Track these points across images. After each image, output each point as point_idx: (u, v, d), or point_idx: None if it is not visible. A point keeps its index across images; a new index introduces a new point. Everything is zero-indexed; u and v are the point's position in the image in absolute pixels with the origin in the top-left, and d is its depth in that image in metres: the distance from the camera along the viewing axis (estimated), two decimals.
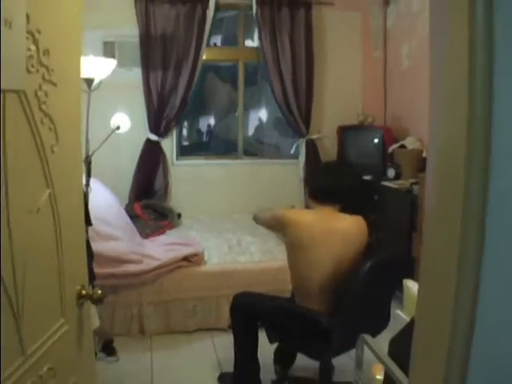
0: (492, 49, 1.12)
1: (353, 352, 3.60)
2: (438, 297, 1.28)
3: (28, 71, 1.52)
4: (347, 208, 3.73)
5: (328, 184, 3.70)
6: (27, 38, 1.50)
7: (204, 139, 8.41)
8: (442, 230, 1.26)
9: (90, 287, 2.13)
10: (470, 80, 1.14)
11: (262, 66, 7.21)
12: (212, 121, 8.35)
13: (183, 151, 7.61)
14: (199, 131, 8.54)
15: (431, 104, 1.34)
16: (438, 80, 1.31)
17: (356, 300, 3.41)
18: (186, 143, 8.25)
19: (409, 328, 2.41)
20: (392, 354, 2.55)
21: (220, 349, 4.65)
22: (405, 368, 1.97)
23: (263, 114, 8.47)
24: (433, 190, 1.32)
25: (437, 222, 1.30)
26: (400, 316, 3.75)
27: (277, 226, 3.77)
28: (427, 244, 1.35)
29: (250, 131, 8.18)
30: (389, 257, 3.69)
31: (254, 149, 8.00)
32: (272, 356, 4.20)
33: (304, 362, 4.10)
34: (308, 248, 3.51)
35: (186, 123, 8.17)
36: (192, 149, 8.26)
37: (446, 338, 1.22)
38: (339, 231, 3.60)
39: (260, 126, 8.45)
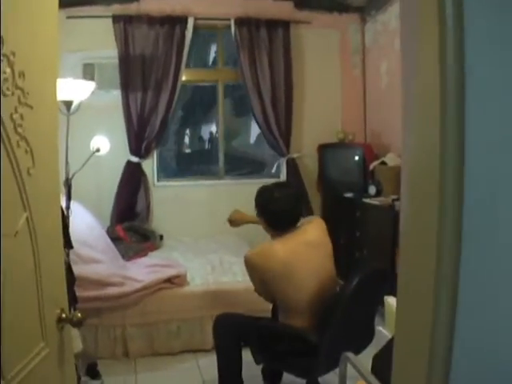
0: (463, 62, 1.13)
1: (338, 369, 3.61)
2: (416, 312, 1.28)
3: (3, 94, 1.51)
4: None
5: (286, 213, 3.68)
6: (2, 60, 1.49)
7: (206, 147, 8.43)
8: (418, 245, 1.27)
9: (72, 310, 2.11)
10: (441, 96, 1.15)
11: (241, 86, 7.21)
12: (214, 128, 8.37)
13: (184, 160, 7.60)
14: (201, 139, 8.57)
15: (404, 116, 1.34)
16: (409, 93, 1.32)
17: (343, 316, 3.40)
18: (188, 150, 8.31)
19: (391, 344, 2.42)
20: (375, 370, 2.55)
21: (205, 370, 4.62)
22: None
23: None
24: (408, 205, 1.32)
25: (412, 236, 1.30)
26: (382, 332, 3.75)
27: (257, 277, 3.67)
28: (404, 259, 1.36)
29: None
30: (374, 272, 3.68)
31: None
32: (256, 374, 4.18)
33: (290, 379, 4.07)
34: (285, 275, 3.49)
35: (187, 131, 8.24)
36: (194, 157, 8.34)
37: (425, 353, 1.22)
38: (309, 245, 3.60)
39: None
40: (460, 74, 1.13)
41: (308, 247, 3.58)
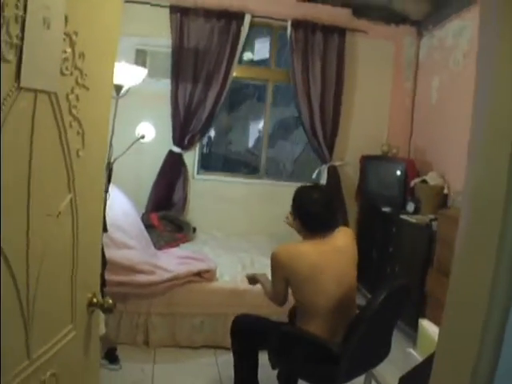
0: None
1: (355, 382, 3.58)
2: (461, 343, 1.24)
3: (62, 73, 1.50)
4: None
5: (321, 215, 3.64)
6: (64, 39, 1.49)
7: (205, 151, 8.41)
8: (473, 274, 1.23)
9: (100, 294, 2.10)
10: None
11: (290, 88, 7.18)
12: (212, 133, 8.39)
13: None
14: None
15: (471, 138, 1.31)
16: (481, 115, 1.28)
17: (366, 329, 3.37)
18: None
19: (421, 368, 2.38)
20: None
21: (223, 367, 4.61)
22: None
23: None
24: (466, 232, 1.29)
25: (468, 263, 1.27)
26: (412, 354, 3.70)
27: (280, 274, 3.61)
28: (454, 286, 1.32)
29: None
30: (398, 287, 3.65)
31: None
32: (272, 377, 4.16)
33: None
34: (310, 278, 3.47)
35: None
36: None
37: (466, 379, 1.19)
38: (336, 251, 3.59)
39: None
40: None
41: (335, 253, 3.57)
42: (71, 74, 1.56)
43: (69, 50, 1.53)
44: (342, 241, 3.66)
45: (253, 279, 4.14)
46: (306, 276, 3.46)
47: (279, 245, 3.71)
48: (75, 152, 1.66)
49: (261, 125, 7.83)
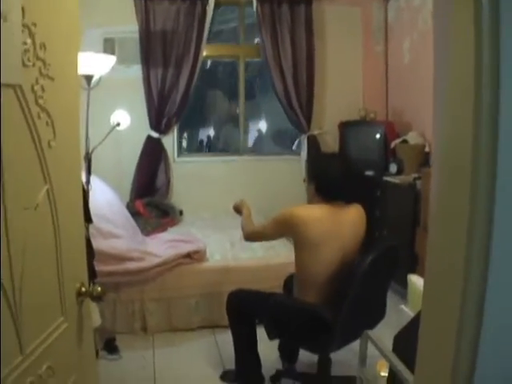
0: (498, 42, 1.10)
1: (352, 346, 3.60)
2: (445, 292, 1.26)
3: (24, 65, 1.49)
4: (348, 201, 3.70)
5: (339, 181, 3.61)
6: (23, 31, 1.48)
7: (204, 151, 8.42)
8: (449, 226, 1.25)
9: (91, 285, 2.10)
10: (476, 74, 1.12)
11: (262, 63, 7.17)
12: (211, 132, 8.37)
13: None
14: (201, 142, 8.55)
15: (435, 98, 1.32)
16: (442, 74, 1.29)
17: (357, 292, 3.39)
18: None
19: (414, 324, 2.39)
20: (397, 350, 2.53)
21: (223, 346, 4.63)
22: (410, 364, 1.95)
23: (262, 126, 8.51)
24: (439, 186, 1.30)
25: (443, 217, 1.28)
26: (404, 311, 3.73)
27: (284, 229, 3.64)
28: (433, 239, 1.33)
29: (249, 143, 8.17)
30: (387, 249, 3.66)
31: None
32: (270, 351, 4.19)
33: (308, 356, 4.08)
34: (319, 245, 3.47)
35: (185, 134, 8.16)
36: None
37: (452, 333, 1.20)
38: (347, 223, 3.59)
39: (259, 138, 8.48)
40: (495, 59, 1.10)
41: (346, 226, 3.58)
42: (33, 65, 1.55)
43: (29, 40, 1.51)
44: (354, 216, 3.67)
45: (238, 210, 4.18)
46: (315, 243, 3.47)
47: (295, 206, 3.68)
48: (46, 143, 1.65)
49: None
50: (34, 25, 1.54)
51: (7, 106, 1.39)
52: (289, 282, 4.03)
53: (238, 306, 3.89)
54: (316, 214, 3.53)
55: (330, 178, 3.61)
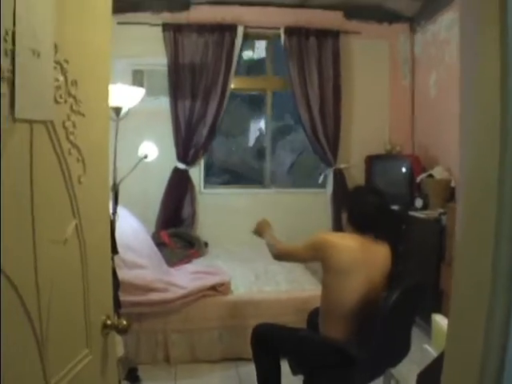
0: None
1: (376, 382, 3.57)
2: (468, 332, 1.25)
3: (56, 102, 1.51)
4: (378, 237, 3.71)
5: (371, 216, 3.66)
6: (55, 68, 1.50)
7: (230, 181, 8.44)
8: (474, 260, 1.24)
9: (116, 315, 2.11)
10: (502, 109, 1.12)
11: (289, 96, 7.20)
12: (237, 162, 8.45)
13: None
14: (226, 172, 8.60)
15: (461, 132, 1.32)
16: (468, 108, 1.30)
17: (383, 329, 3.37)
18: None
19: (437, 363, 2.37)
20: None
21: (245, 379, 4.61)
22: None
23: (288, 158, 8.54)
24: (463, 220, 1.30)
25: (468, 252, 1.28)
26: (428, 350, 3.69)
27: (316, 252, 3.64)
28: (458, 276, 1.33)
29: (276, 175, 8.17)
30: (414, 285, 3.66)
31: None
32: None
33: None
34: (348, 273, 3.49)
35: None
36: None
37: (475, 373, 1.20)
38: (376, 258, 3.61)
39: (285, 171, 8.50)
40: None
41: (374, 259, 3.59)
42: (65, 101, 1.57)
43: (61, 77, 1.54)
44: (384, 253, 3.69)
45: (260, 230, 4.32)
46: (344, 270, 3.49)
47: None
48: (77, 178, 1.67)
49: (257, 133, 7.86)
50: (67, 61, 1.57)
51: (38, 142, 1.42)
52: (313, 317, 4.02)
53: (263, 339, 3.88)
54: (347, 242, 3.56)
55: (363, 212, 3.68)
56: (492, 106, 1.15)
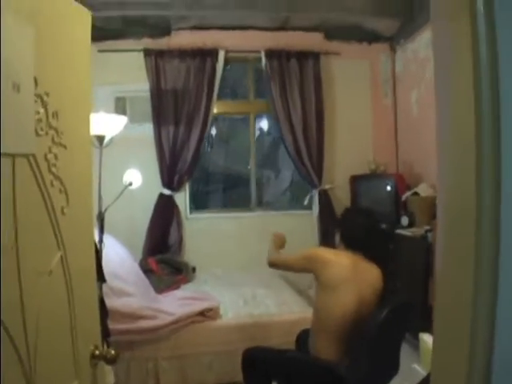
0: (498, 93, 1.12)
1: None
2: (453, 350, 1.26)
3: (37, 134, 1.52)
4: (368, 256, 3.78)
5: (362, 235, 3.74)
6: (35, 101, 1.51)
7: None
8: (455, 279, 1.25)
9: (105, 344, 2.10)
10: (476, 125, 1.14)
11: (272, 119, 7.24)
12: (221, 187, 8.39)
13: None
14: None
15: (439, 149, 1.34)
16: (445, 126, 1.31)
17: (371, 348, 3.39)
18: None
19: (426, 382, 2.38)
20: None
21: None
22: None
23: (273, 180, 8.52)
24: (443, 237, 1.31)
25: (449, 270, 1.29)
26: (416, 370, 3.69)
27: (308, 265, 3.69)
28: (440, 292, 1.34)
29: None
30: (401, 303, 3.68)
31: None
32: None
33: None
34: (338, 288, 3.52)
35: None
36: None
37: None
38: (368, 276, 3.65)
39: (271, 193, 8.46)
40: (496, 110, 1.12)
41: (366, 277, 3.64)
42: (46, 133, 1.58)
43: (41, 110, 1.55)
44: (374, 274, 3.74)
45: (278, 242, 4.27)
46: (334, 284, 3.53)
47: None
48: (60, 210, 1.67)
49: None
50: (47, 94, 1.58)
51: (20, 175, 1.42)
52: (301, 338, 4.04)
53: (253, 363, 3.87)
54: (339, 259, 3.62)
55: (354, 233, 3.76)
56: (467, 121, 1.17)
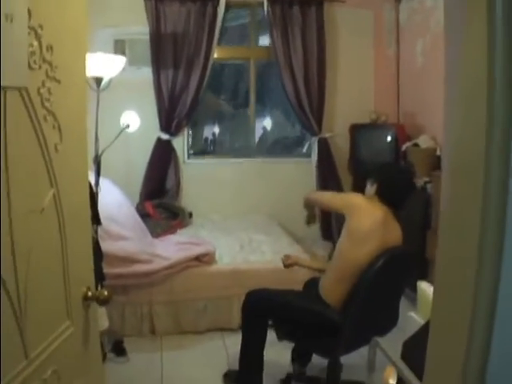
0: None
1: (362, 351, 3.58)
2: (455, 301, 1.23)
3: (30, 68, 1.48)
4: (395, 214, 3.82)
5: (403, 192, 3.81)
6: (29, 33, 1.47)
7: (209, 149, 8.21)
8: (459, 231, 1.22)
9: (99, 287, 2.09)
10: (488, 74, 1.10)
11: (272, 65, 7.16)
12: (217, 129, 8.24)
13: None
14: (206, 140, 8.37)
15: (446, 99, 1.29)
16: (454, 74, 1.27)
17: (367, 296, 3.42)
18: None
19: (423, 331, 2.37)
20: (405, 357, 2.51)
21: (231, 349, 4.61)
22: (418, 372, 1.92)
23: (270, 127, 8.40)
24: (449, 190, 1.27)
25: (453, 222, 1.26)
26: (414, 318, 3.70)
27: (344, 208, 3.73)
28: (443, 244, 1.31)
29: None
30: (401, 253, 3.68)
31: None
32: (281, 355, 4.21)
33: (312, 361, 4.15)
34: (368, 237, 3.56)
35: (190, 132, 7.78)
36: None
37: (462, 343, 1.18)
38: (393, 234, 3.69)
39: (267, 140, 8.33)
40: (509, 58, 1.08)
41: (390, 235, 3.66)
42: (40, 67, 1.54)
43: (35, 43, 1.50)
44: (399, 232, 3.75)
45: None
46: (364, 233, 3.58)
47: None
48: (53, 146, 1.64)
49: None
50: (41, 27, 1.53)
51: (13, 109, 1.38)
52: (309, 284, 4.10)
53: (257, 303, 3.88)
54: (373, 209, 3.66)
55: (396, 188, 3.79)
56: (478, 73, 1.13)
